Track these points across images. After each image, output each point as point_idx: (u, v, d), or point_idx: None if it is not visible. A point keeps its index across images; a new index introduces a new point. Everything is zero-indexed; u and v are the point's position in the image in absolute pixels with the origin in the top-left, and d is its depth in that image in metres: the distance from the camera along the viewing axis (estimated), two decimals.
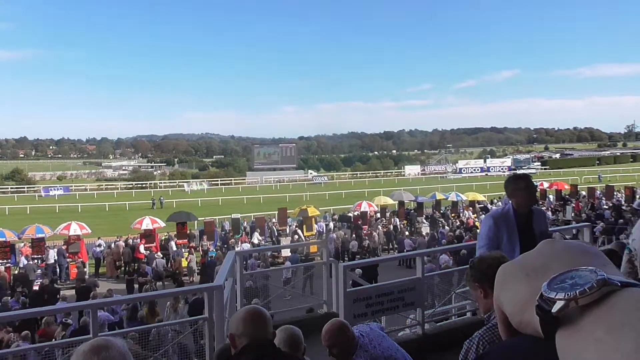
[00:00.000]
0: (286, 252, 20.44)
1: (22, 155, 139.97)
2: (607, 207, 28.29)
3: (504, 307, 0.57)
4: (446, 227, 26.51)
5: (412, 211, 31.05)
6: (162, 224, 24.43)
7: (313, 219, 26.94)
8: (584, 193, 35.09)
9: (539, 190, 36.27)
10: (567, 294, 0.46)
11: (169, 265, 21.68)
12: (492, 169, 77.15)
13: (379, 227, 26.46)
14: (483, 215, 28.43)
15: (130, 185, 70.30)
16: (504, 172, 74.02)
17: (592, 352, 0.42)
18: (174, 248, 22.66)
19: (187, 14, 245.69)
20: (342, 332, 3.32)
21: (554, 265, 0.53)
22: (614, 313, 0.43)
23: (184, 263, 21.21)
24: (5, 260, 20.24)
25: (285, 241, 24.60)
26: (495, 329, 2.39)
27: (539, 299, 0.49)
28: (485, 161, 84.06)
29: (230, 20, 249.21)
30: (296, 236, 25.02)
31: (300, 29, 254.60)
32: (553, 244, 0.59)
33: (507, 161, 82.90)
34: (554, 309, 0.47)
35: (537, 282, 0.51)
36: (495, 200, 35.55)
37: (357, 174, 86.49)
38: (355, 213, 29.14)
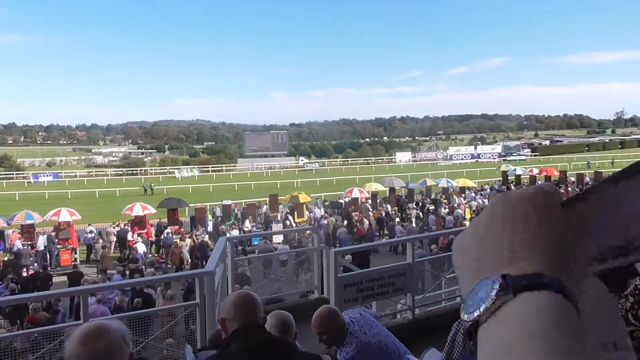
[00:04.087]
0: (278, 238, 20.48)
1: (11, 142, 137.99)
2: None
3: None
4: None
5: (403, 197, 31.14)
6: (153, 211, 24.44)
7: (304, 206, 26.96)
8: (573, 179, 35.37)
9: (528, 176, 36.50)
10: (469, 316, 0.45)
11: (161, 252, 21.68)
12: (482, 156, 77.49)
13: (370, 213, 26.53)
14: (473, 202, 28.64)
15: (121, 172, 69.87)
16: (494, 158, 74.41)
17: None
18: (165, 235, 22.60)
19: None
20: (331, 319, 3.33)
21: (472, 245, 0.50)
22: (500, 331, 0.41)
23: None
24: None
25: (276, 227, 24.57)
26: None
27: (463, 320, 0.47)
28: (475, 148, 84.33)
29: (221, 7, 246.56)
30: (287, 222, 24.99)
31: (292, 15, 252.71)
32: (496, 202, 0.51)
33: (498, 148, 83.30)
34: (466, 327, 0.45)
35: (462, 259, 0.50)
36: (486, 187, 35.72)
37: (348, 160, 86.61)
38: (347, 199, 29.19)
